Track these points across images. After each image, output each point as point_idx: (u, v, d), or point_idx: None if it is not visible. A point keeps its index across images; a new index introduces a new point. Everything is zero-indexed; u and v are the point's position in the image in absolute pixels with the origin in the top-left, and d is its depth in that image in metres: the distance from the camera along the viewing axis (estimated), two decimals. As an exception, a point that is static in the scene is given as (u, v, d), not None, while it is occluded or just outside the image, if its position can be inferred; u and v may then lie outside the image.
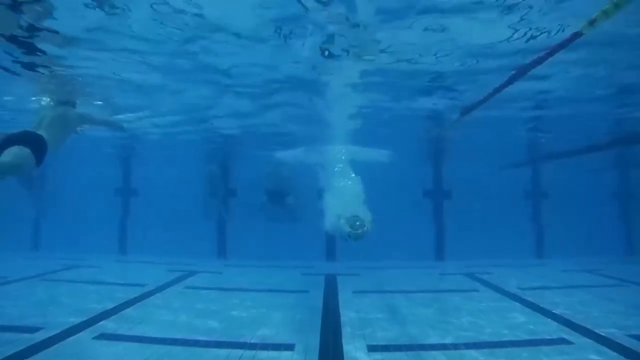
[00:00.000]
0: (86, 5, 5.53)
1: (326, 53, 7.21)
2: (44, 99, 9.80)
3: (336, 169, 11.79)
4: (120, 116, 11.64)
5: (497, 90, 8.24)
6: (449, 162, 17.79)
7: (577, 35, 5.38)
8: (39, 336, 6.39)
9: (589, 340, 6.48)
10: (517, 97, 10.07)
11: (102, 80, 8.79)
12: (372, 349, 6.13)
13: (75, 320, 7.32)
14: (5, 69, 8.06)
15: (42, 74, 8.27)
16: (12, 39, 6.58)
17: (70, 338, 6.42)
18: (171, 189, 17.33)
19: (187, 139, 14.88)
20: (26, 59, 7.48)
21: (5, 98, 10.45)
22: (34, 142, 6.17)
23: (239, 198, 18.14)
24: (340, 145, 13.97)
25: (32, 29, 6.24)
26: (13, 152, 5.79)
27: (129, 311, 8.17)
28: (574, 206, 16.84)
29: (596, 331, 6.86)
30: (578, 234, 15.77)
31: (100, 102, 10.39)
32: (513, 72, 7.50)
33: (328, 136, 13.77)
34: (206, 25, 6.20)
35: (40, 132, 6.45)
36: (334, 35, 6.51)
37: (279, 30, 6.36)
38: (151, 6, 5.58)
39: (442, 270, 14.05)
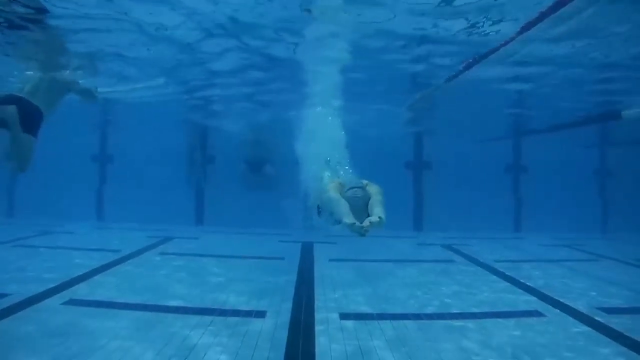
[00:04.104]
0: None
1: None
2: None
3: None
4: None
5: (484, 55, 8.05)
6: (430, 133, 17.64)
7: None
8: (5, 302, 6.22)
9: (561, 312, 6.55)
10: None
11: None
12: (344, 316, 6.12)
13: (44, 285, 7.15)
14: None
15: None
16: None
17: (38, 304, 6.26)
18: (150, 156, 16.96)
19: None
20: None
21: None
22: (35, 116, 6.04)
23: (218, 165, 17.81)
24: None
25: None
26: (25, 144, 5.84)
27: (99, 277, 8.04)
28: (554, 182, 17.00)
29: (568, 304, 6.95)
30: (556, 209, 15.98)
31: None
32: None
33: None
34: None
35: (37, 102, 6.16)
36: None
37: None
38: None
39: (420, 241, 14.11)
